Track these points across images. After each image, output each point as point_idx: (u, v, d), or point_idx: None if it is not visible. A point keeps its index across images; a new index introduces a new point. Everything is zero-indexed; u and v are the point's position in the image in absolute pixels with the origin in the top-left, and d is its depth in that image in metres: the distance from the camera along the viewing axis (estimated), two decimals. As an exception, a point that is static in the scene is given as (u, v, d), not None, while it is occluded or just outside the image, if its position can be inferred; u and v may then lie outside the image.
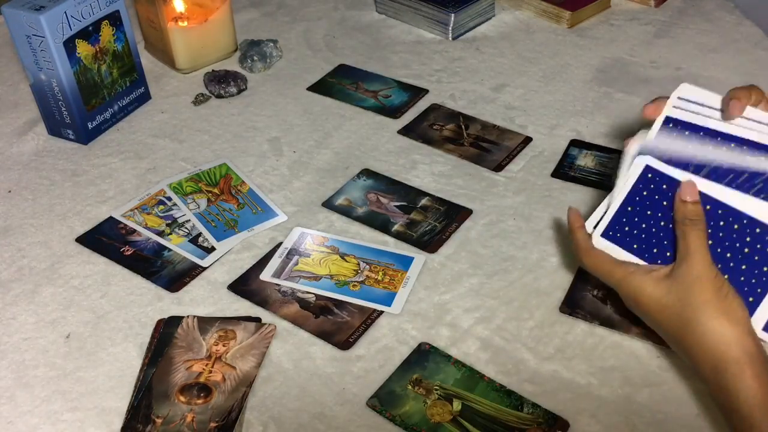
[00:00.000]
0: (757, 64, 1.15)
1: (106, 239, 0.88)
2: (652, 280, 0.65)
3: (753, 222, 0.64)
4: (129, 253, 0.86)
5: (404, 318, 0.78)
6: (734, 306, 0.62)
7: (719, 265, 0.65)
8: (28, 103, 1.10)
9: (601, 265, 0.70)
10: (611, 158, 0.97)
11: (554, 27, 1.27)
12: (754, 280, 0.64)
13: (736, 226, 0.65)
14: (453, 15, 1.22)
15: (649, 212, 0.69)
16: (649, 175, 0.69)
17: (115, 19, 1.01)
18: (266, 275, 0.82)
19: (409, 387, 0.71)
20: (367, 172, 0.96)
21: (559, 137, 1.02)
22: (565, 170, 0.96)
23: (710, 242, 0.65)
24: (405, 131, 1.04)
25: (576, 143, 1.00)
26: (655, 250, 0.69)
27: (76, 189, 0.96)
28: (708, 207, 0.66)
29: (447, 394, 0.70)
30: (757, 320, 0.64)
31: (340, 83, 1.14)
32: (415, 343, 0.75)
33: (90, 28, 0.98)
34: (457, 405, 0.69)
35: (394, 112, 1.08)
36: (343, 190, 0.94)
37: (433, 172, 0.97)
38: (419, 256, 0.84)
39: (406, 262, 0.84)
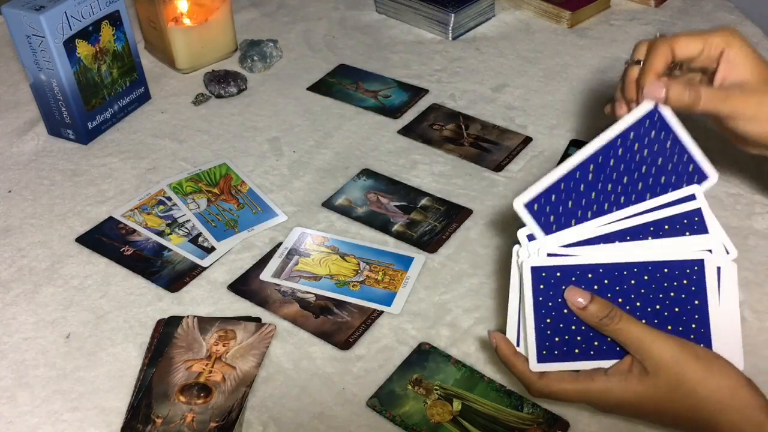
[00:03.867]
0: (757, 64, 1.15)
1: (106, 239, 0.88)
2: (634, 379, 0.59)
3: (657, 265, 0.60)
4: (129, 253, 0.86)
5: (404, 318, 0.78)
6: (722, 366, 0.58)
7: (656, 321, 0.60)
8: (28, 103, 1.10)
9: (566, 388, 0.61)
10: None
11: (554, 27, 1.27)
12: (693, 325, 0.60)
13: (645, 277, 0.60)
14: (453, 15, 1.22)
15: (565, 311, 0.60)
16: (543, 274, 0.60)
17: (115, 19, 1.01)
18: (266, 275, 0.82)
19: (409, 387, 0.71)
20: (367, 172, 0.96)
21: (559, 137, 1.02)
22: (565, 170, 0.96)
23: (638, 304, 0.60)
24: (405, 131, 1.04)
25: (576, 143, 1.00)
26: (596, 343, 0.61)
27: (76, 189, 0.96)
28: (607, 281, 0.60)
29: (447, 394, 0.70)
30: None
31: (340, 83, 1.14)
32: (415, 343, 0.75)
33: (90, 28, 0.98)
34: (457, 405, 0.69)
35: (394, 112, 1.08)
36: (343, 190, 0.94)
37: (433, 172, 0.97)
38: (419, 256, 0.84)
39: (406, 262, 0.84)
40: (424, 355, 0.74)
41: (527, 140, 1.01)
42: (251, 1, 1.36)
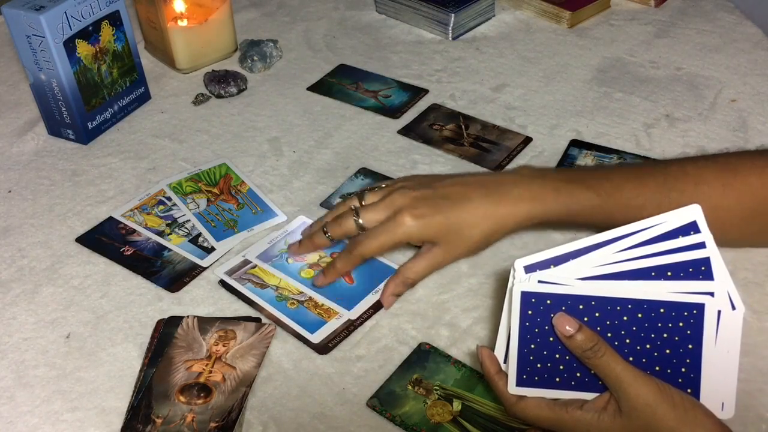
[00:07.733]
0: (757, 64, 1.15)
1: (106, 239, 0.88)
2: (607, 418, 0.59)
3: (654, 304, 0.59)
4: (129, 253, 0.86)
5: (404, 318, 0.78)
6: (698, 416, 0.57)
7: (644, 360, 0.59)
8: (28, 103, 1.11)
9: (541, 413, 0.62)
10: (611, 158, 0.97)
11: (554, 27, 1.27)
12: (683, 369, 0.59)
13: (639, 315, 0.59)
14: (453, 15, 1.22)
15: (551, 339, 0.61)
16: (533, 300, 0.60)
17: (115, 19, 1.01)
18: (220, 271, 0.82)
19: (409, 387, 0.71)
20: (364, 171, 0.96)
21: (559, 137, 1.02)
22: (565, 170, 0.96)
23: (628, 341, 0.59)
24: (405, 131, 1.04)
25: (576, 143, 1.00)
26: (578, 375, 0.61)
27: (76, 189, 0.96)
28: (598, 314, 0.60)
29: (447, 394, 0.70)
30: (711, 407, 0.59)
31: (340, 83, 1.14)
32: (415, 343, 0.75)
33: (90, 28, 0.98)
34: (457, 405, 0.69)
35: (394, 112, 1.08)
36: (340, 189, 0.94)
37: (433, 172, 0.97)
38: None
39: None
40: (424, 355, 0.74)
41: (527, 140, 1.01)
42: (251, 1, 1.36)
